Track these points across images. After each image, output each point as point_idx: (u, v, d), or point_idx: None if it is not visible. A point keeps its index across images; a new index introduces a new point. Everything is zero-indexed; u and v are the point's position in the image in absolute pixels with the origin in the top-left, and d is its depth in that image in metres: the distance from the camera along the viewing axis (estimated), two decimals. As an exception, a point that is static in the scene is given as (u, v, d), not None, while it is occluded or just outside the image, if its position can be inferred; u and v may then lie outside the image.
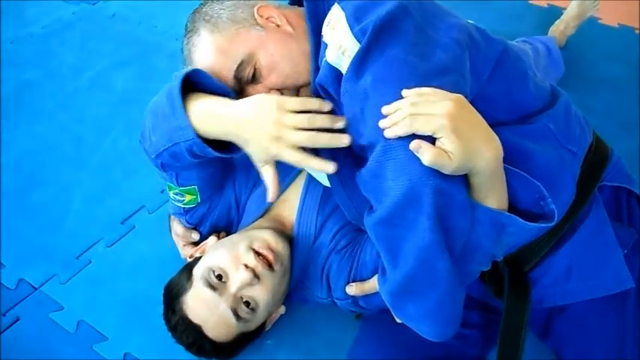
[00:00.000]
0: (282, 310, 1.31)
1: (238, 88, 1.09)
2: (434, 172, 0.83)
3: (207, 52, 1.10)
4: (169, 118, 1.06)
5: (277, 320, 1.32)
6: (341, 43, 0.93)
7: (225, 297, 1.15)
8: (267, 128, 0.99)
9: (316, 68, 1.04)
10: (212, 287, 1.15)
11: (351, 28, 0.93)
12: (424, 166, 0.82)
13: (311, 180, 1.30)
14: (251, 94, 1.09)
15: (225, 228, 1.38)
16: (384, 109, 0.86)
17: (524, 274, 1.12)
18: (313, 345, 1.33)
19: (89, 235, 1.60)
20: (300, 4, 1.13)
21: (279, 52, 1.08)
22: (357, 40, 0.91)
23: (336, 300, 1.26)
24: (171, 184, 1.23)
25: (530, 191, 0.93)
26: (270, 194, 1.06)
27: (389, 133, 0.85)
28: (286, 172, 1.33)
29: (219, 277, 1.16)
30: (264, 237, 1.21)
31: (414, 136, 0.83)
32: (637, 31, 2.21)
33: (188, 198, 1.27)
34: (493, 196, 0.90)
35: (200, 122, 1.04)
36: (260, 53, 1.08)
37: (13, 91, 2.12)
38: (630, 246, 1.14)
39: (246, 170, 1.33)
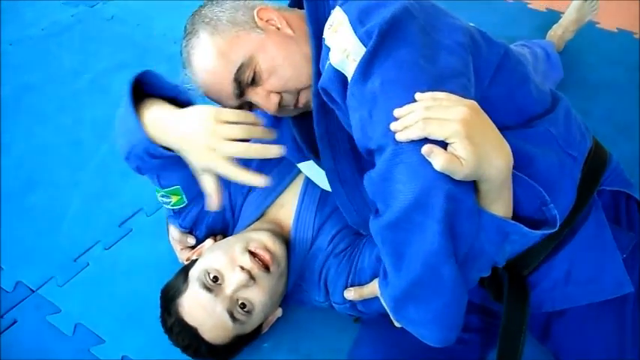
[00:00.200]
0: (279, 312, 1.31)
1: (238, 91, 1.09)
2: (445, 177, 0.82)
3: (206, 55, 1.09)
4: (126, 122, 1.08)
5: (274, 323, 1.32)
6: (345, 46, 0.93)
7: (221, 299, 1.15)
8: (203, 139, 1.01)
9: (317, 71, 1.03)
10: (208, 289, 1.15)
11: (356, 31, 0.92)
12: (436, 170, 0.81)
13: (309, 182, 1.29)
14: (251, 97, 1.09)
15: (222, 231, 1.38)
16: (397, 112, 0.85)
17: (523, 278, 1.12)
18: (311, 348, 1.33)
19: (87, 238, 1.60)
20: (301, 7, 1.13)
21: (280, 55, 1.07)
22: (363, 44, 0.90)
23: (334, 304, 1.25)
24: (157, 187, 1.24)
25: (532, 197, 0.93)
26: (211, 204, 1.08)
27: (401, 137, 0.84)
28: (283, 175, 1.33)
29: (215, 278, 1.16)
30: (260, 238, 1.21)
31: (425, 140, 0.82)
32: (636, 36, 2.22)
33: (174, 199, 1.26)
34: (499, 203, 0.90)
35: (151, 128, 1.06)
36: (260, 56, 1.07)
37: (12, 93, 2.12)
38: (629, 250, 1.14)
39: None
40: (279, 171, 1.33)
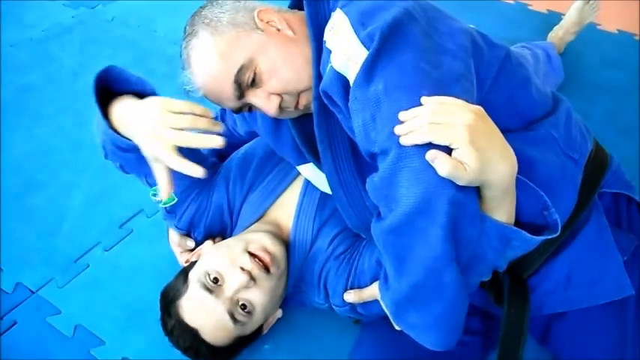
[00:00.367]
0: (279, 313, 1.31)
1: (238, 92, 1.09)
2: (449, 183, 0.82)
3: (206, 56, 1.09)
4: (97, 120, 1.13)
5: (275, 324, 1.32)
6: (347, 49, 0.92)
7: (221, 300, 1.15)
8: (150, 127, 1.05)
9: (317, 74, 1.03)
10: (208, 290, 1.15)
11: (357, 34, 0.91)
12: (440, 175, 0.81)
13: (309, 184, 1.29)
14: (251, 99, 1.09)
15: (220, 233, 1.37)
16: (402, 115, 0.84)
17: (523, 281, 1.12)
18: (311, 349, 1.33)
19: (87, 239, 1.60)
20: (301, 8, 1.13)
21: (280, 57, 1.07)
22: (365, 47, 0.90)
23: (334, 306, 1.25)
24: (146, 186, 1.24)
25: (534, 201, 0.93)
26: (161, 193, 1.11)
27: (405, 141, 0.83)
28: (283, 176, 1.33)
29: (216, 280, 1.16)
30: (260, 239, 1.21)
31: (429, 145, 0.82)
32: (636, 38, 2.22)
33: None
34: (502, 209, 0.89)
35: (116, 122, 1.12)
36: (260, 57, 1.06)
37: (13, 94, 2.12)
38: (630, 252, 1.14)
39: (241, 175, 1.33)
40: (279, 172, 1.33)
